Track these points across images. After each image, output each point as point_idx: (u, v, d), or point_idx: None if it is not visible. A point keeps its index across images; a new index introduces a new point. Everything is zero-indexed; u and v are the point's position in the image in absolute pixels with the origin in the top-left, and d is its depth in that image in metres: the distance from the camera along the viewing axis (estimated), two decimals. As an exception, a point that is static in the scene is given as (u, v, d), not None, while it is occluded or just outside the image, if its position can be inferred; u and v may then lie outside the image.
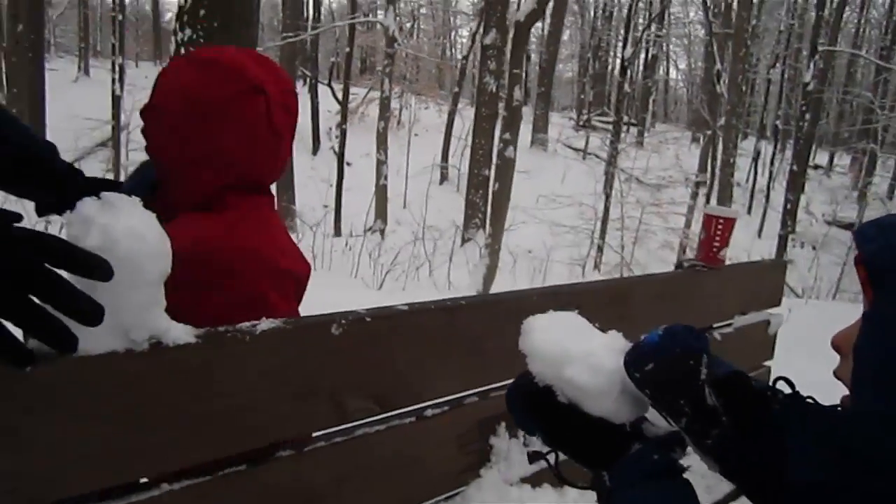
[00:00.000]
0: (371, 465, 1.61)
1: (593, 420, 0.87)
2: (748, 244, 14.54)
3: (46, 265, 0.79)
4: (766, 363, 3.28)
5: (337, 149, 11.79)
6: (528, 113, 24.15)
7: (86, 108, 16.04)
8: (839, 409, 0.80)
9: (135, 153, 10.82)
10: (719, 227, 2.72)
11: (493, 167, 10.58)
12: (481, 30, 26.59)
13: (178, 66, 1.35)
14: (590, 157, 22.66)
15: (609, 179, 15.19)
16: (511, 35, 6.79)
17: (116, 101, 14.19)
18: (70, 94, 17.87)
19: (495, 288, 6.47)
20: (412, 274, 6.65)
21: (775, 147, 20.25)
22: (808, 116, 14.53)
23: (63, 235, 0.88)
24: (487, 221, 10.76)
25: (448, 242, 8.55)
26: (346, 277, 6.26)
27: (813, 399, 0.83)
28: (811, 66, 14.47)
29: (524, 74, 23.90)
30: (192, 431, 1.23)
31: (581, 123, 26.73)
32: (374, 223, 11.15)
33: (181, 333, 1.15)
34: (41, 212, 1.53)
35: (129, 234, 0.98)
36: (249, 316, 1.28)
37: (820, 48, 14.80)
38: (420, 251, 7.39)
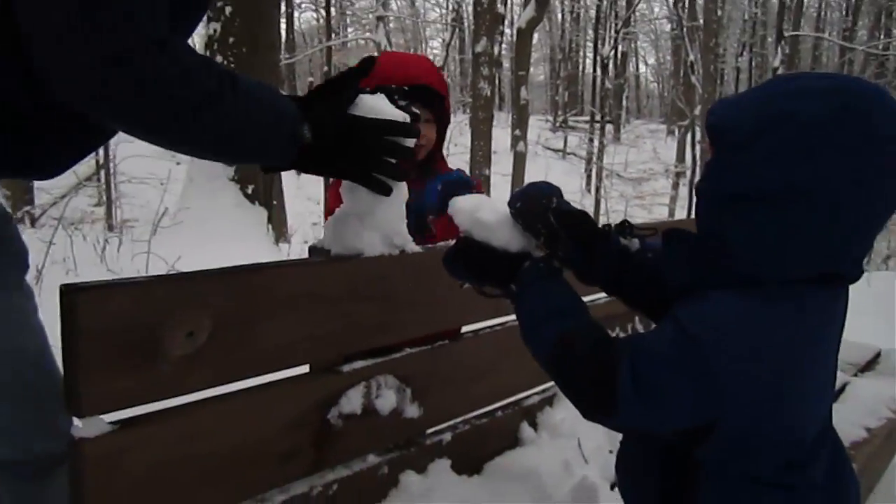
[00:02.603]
0: (518, 349, 2.15)
1: (499, 253, 1.26)
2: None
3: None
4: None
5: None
6: (504, 118, 24.65)
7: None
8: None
9: (123, 185, 10.48)
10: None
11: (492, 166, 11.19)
12: (455, 41, 27.20)
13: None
14: (569, 157, 23.10)
15: (598, 176, 15.62)
16: (514, 41, 7.36)
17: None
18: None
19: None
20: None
21: (748, 132, 20.86)
22: (779, 100, 15.14)
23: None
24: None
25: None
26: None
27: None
28: (778, 51, 15.18)
29: (497, 81, 24.55)
30: (416, 311, 1.77)
31: (558, 125, 27.29)
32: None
33: (414, 247, 1.69)
34: None
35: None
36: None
37: (785, 33, 15.52)
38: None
